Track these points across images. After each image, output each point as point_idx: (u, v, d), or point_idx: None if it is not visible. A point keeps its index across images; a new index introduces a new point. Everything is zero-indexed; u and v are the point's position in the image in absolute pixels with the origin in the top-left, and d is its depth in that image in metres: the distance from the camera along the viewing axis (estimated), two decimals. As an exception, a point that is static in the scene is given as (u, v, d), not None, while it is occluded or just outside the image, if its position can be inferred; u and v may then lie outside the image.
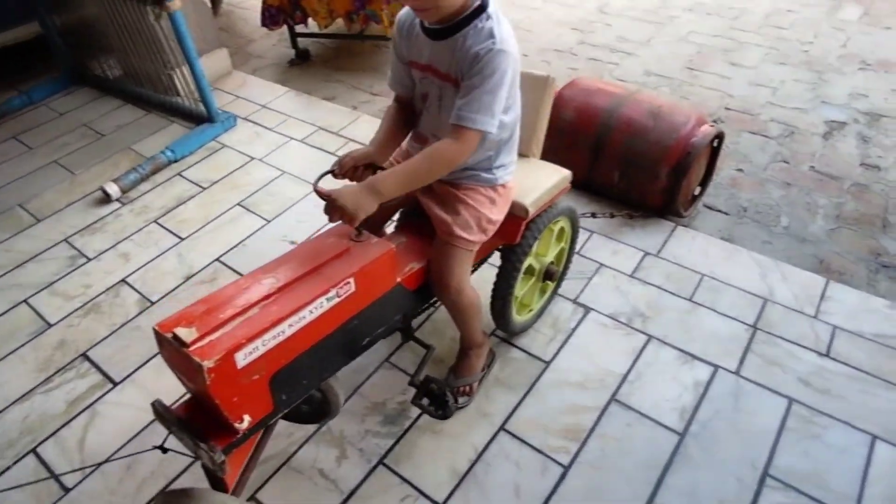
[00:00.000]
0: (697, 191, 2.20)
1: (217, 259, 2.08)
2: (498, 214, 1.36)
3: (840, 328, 1.72)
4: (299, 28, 3.29)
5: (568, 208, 1.60)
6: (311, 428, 1.53)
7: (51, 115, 2.95)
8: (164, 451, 1.11)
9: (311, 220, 2.21)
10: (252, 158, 2.57)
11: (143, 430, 1.56)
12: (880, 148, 2.48)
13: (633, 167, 2.07)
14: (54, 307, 1.94)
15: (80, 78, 3.17)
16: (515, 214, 1.42)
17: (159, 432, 1.55)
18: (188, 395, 1.11)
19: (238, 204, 2.33)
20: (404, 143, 1.41)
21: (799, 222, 2.15)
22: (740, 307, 1.79)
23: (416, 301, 1.39)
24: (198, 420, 1.03)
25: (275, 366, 1.05)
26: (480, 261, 1.59)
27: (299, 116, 2.84)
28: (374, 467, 1.46)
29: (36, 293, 1.99)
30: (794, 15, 3.55)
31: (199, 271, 2.03)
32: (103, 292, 1.98)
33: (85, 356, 1.77)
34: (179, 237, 2.18)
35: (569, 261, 1.79)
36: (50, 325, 1.88)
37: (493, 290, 1.55)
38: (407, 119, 1.36)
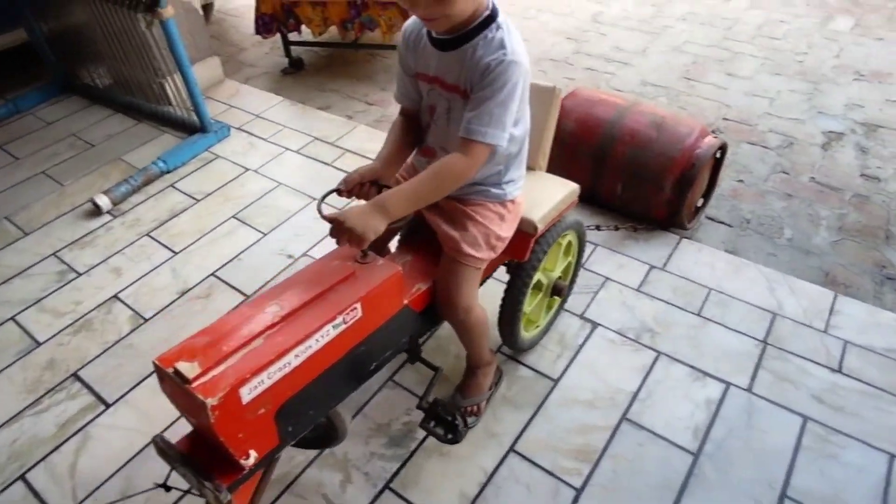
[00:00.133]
0: (700, 202, 2.18)
1: (212, 273, 2.02)
2: (507, 231, 1.32)
3: (851, 343, 1.70)
4: (293, 36, 3.25)
5: (576, 222, 1.57)
6: (314, 451, 1.48)
7: (38, 124, 2.87)
8: (168, 489, 1.06)
9: (309, 233, 2.16)
10: (247, 169, 2.52)
11: (137, 453, 1.50)
12: (879, 159, 2.48)
13: (636, 179, 2.05)
14: (43, 324, 1.86)
15: (69, 86, 3.10)
16: (524, 231, 1.38)
17: (155, 457, 1.49)
18: (190, 429, 1.05)
19: (233, 216, 2.27)
20: (410, 158, 1.37)
21: (802, 234, 2.14)
22: (749, 322, 1.77)
23: (423, 322, 1.35)
24: (201, 456, 0.98)
25: (281, 398, 1.00)
26: (485, 278, 1.55)
27: (294, 126, 2.80)
28: (380, 492, 1.41)
29: (24, 310, 1.91)
30: (787, 26, 3.57)
31: (194, 286, 1.97)
32: (94, 309, 1.91)
33: (76, 376, 1.70)
34: (173, 251, 2.12)
35: (575, 275, 1.76)
36: (39, 344, 1.80)
37: (501, 307, 1.51)
38: (414, 133, 1.32)
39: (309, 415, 1.10)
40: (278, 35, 3.19)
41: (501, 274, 1.56)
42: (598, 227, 2.06)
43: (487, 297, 1.60)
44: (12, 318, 1.88)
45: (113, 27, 2.60)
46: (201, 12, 3.05)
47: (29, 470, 1.48)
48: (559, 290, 1.62)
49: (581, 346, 1.73)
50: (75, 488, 1.43)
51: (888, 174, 2.40)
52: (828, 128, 2.68)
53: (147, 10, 2.27)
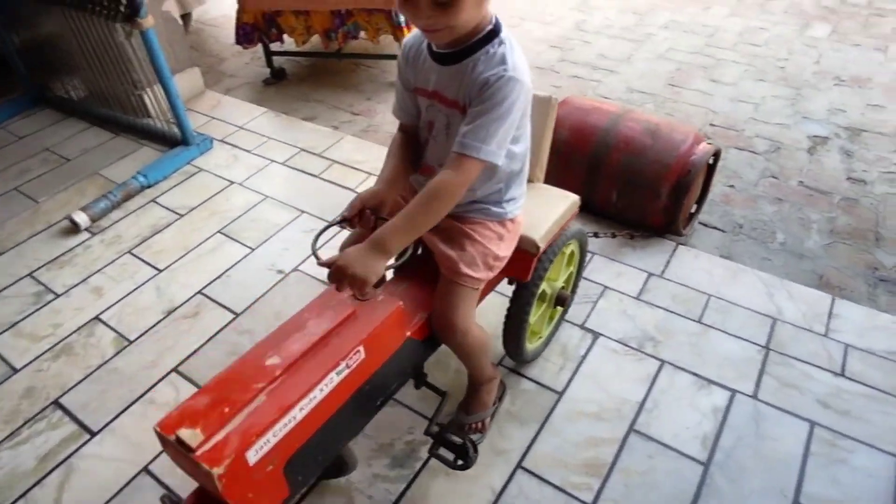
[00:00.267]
0: (694, 208, 2.18)
1: (199, 291, 1.94)
2: (505, 251, 1.28)
3: (852, 346, 1.70)
4: (275, 46, 3.19)
5: (578, 231, 1.55)
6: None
7: (9, 138, 2.76)
8: None
9: (298, 247, 2.10)
10: (231, 183, 2.45)
11: (126, 485, 1.42)
12: (864, 162, 2.52)
13: (631, 186, 2.03)
14: (20, 350, 1.77)
15: (41, 99, 2.99)
16: (526, 250, 1.34)
17: (144, 488, 1.42)
18: (196, 486, 1.00)
19: (219, 231, 2.20)
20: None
21: (794, 238, 2.15)
22: (750, 328, 1.76)
23: (427, 349, 1.31)
24: None
25: (288, 452, 0.97)
26: (482, 298, 1.52)
27: (279, 138, 2.73)
28: (386, 516, 1.36)
29: (-2, 335, 1.82)
30: (767, 33, 3.63)
31: (181, 305, 1.89)
32: (75, 331, 1.82)
33: (57, 404, 1.61)
34: (157, 269, 2.04)
35: (576, 284, 1.73)
36: (16, 371, 1.71)
37: (506, 321, 1.48)
38: (414, 149, 1.27)
39: (318, 461, 1.07)
40: (259, 45, 3.12)
41: (505, 287, 1.52)
42: (595, 235, 2.04)
43: (491, 310, 1.57)
44: (-14, 344, 1.79)
45: (89, 37, 2.51)
46: (181, 22, 2.97)
47: (8, 507, 1.39)
48: (562, 300, 1.59)
49: (584, 356, 1.70)
50: (60, 525, 1.35)
51: (874, 177, 2.43)
52: (812, 132, 2.71)
53: (126, 21, 2.19)
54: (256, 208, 2.30)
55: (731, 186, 2.41)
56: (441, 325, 1.23)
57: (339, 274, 1.00)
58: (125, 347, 1.76)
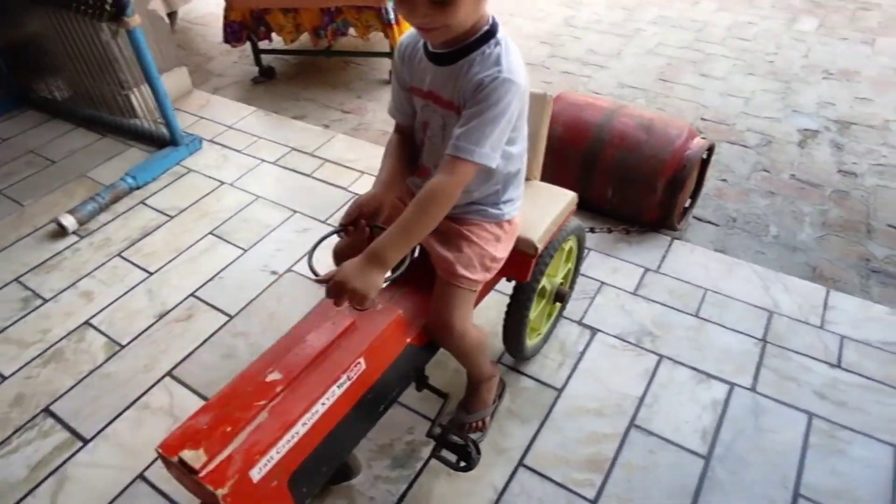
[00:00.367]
0: (688, 203, 2.18)
1: (192, 294, 1.91)
2: (503, 252, 1.26)
3: (847, 338, 1.71)
4: (263, 44, 3.15)
5: (577, 227, 1.54)
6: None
7: (-8, 141, 2.71)
8: None
9: (291, 247, 2.07)
10: (222, 183, 2.41)
11: (121, 493, 1.39)
12: (854, 155, 2.54)
13: (626, 181, 2.03)
14: (8, 357, 1.73)
15: (25, 100, 2.93)
16: (524, 251, 1.33)
17: (140, 496, 1.39)
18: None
19: (210, 233, 2.16)
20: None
21: (787, 231, 2.16)
22: (747, 321, 1.76)
23: (427, 353, 1.30)
24: None
25: (292, 466, 0.96)
26: (479, 300, 1.50)
27: (269, 137, 2.70)
28: (388, 518, 1.34)
29: (-15, 342, 1.78)
30: (755, 27, 3.65)
31: (173, 308, 1.86)
32: (65, 337, 1.78)
33: (48, 411, 1.58)
34: (148, 271, 2.01)
35: (574, 279, 1.72)
36: (4, 378, 1.67)
37: (506, 319, 1.47)
38: (411, 151, 1.25)
39: (322, 472, 1.06)
40: (248, 43, 3.09)
41: (504, 285, 1.51)
42: (591, 230, 2.03)
43: (492, 307, 1.56)
44: (-26, 351, 1.75)
45: (73, 37, 2.46)
46: (167, 20, 2.93)
47: (0, 517, 1.36)
48: (561, 296, 1.58)
49: (582, 353, 1.69)
50: (54, 534, 1.32)
51: (864, 169, 2.45)
52: (803, 126, 2.73)
53: (112, 20, 2.15)
54: (248, 209, 2.27)
55: (724, 180, 2.41)
56: (438, 327, 1.22)
57: (337, 289, 0.98)
58: (117, 352, 1.73)
